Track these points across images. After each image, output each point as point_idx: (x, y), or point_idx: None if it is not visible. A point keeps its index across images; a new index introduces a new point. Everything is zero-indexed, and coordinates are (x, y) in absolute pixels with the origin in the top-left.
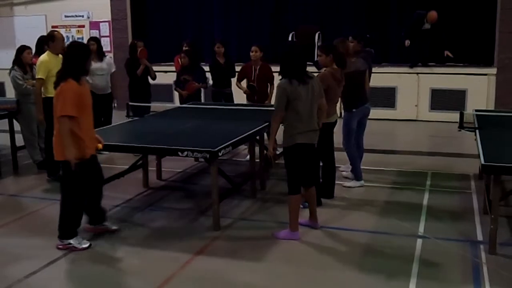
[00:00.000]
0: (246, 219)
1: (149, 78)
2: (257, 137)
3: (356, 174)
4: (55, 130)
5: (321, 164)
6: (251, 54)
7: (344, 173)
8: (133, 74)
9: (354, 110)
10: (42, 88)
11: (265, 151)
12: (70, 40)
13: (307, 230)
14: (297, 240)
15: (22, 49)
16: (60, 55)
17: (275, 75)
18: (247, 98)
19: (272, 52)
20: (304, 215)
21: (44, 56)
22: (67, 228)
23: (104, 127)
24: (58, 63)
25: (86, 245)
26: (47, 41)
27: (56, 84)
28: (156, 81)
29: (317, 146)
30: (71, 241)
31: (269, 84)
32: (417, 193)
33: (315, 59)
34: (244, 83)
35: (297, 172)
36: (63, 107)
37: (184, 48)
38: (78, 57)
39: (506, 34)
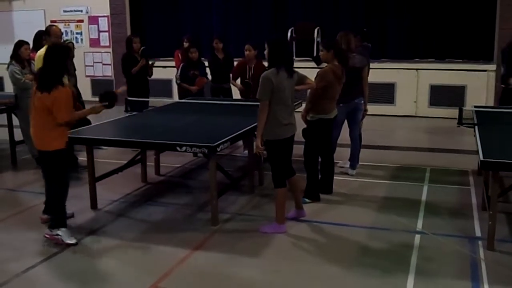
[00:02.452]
0: (244, 214)
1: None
2: (255, 133)
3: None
4: (38, 124)
5: (319, 159)
6: (245, 53)
7: (342, 169)
8: (129, 70)
9: (341, 104)
10: None
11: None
12: (69, 35)
13: (305, 225)
14: (294, 235)
15: (20, 44)
16: None
17: None
18: (242, 95)
19: None
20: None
21: (42, 51)
22: (61, 217)
23: (102, 122)
24: None
25: (73, 242)
26: (44, 36)
27: (47, 87)
28: (155, 76)
29: (316, 141)
30: (60, 232)
31: None
32: (415, 189)
33: (314, 54)
34: (238, 81)
35: (282, 165)
36: (66, 114)
37: (184, 43)
38: (60, 59)
39: (505, 30)
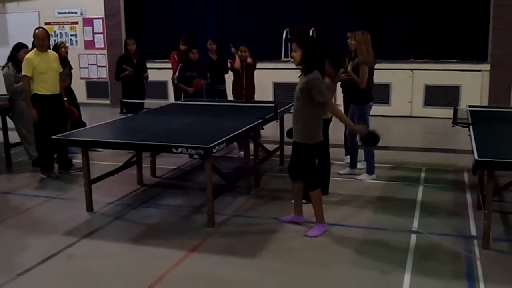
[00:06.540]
0: (240, 215)
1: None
2: (251, 134)
3: (370, 168)
4: None
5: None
6: (241, 54)
7: (341, 171)
8: (119, 73)
9: (371, 103)
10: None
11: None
12: (64, 37)
13: (301, 226)
14: (291, 236)
15: (19, 47)
16: (49, 52)
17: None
18: (234, 95)
19: (267, 49)
20: (288, 211)
21: (29, 54)
22: None
23: (97, 124)
24: (44, 60)
25: None
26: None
27: None
28: (150, 78)
29: None
30: None
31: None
32: (411, 188)
33: None
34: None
35: (313, 168)
36: None
37: (180, 45)
38: None
39: (499, 30)
